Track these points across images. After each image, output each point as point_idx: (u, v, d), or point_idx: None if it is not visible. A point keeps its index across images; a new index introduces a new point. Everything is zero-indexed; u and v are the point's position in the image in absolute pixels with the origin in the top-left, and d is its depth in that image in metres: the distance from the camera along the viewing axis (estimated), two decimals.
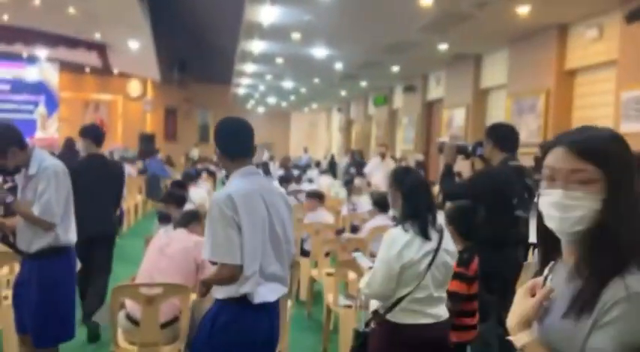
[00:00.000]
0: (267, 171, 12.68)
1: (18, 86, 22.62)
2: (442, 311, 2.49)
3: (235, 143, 2.36)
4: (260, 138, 24.59)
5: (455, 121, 12.00)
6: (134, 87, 24.08)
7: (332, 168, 14.72)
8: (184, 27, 18.56)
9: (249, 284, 2.14)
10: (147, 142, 21.65)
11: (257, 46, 11.31)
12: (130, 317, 2.99)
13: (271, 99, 21.87)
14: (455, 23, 8.64)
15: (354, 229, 6.41)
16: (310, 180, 10.10)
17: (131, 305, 2.99)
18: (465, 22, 8.51)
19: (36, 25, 19.07)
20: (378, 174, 9.07)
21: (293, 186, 8.16)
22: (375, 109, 18.15)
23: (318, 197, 6.07)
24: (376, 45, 10.72)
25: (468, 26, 8.74)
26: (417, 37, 9.66)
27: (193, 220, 3.20)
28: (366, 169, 9.98)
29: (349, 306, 3.85)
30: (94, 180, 4.32)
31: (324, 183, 10.26)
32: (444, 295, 2.52)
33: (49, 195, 2.63)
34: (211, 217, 2.15)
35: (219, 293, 2.18)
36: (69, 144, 12.35)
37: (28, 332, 2.82)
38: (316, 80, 15.95)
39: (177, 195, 4.73)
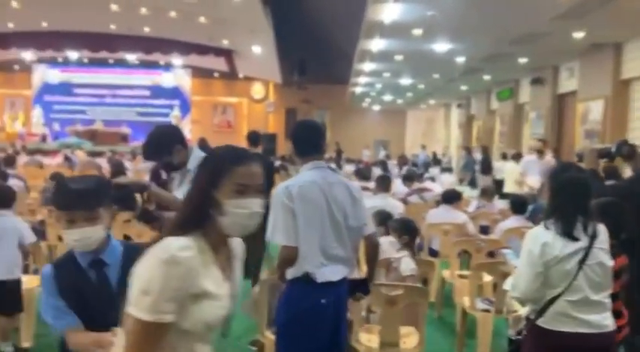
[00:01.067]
0: (385, 169, 12.62)
1: (156, 92, 24.88)
2: (607, 321, 2.30)
3: (304, 142, 2.64)
4: (375, 136, 24.74)
5: (591, 115, 11.07)
6: (257, 89, 25.32)
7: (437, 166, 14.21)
8: (304, 30, 19.13)
9: (309, 265, 2.40)
10: (269, 142, 22.64)
11: (377, 44, 11.33)
12: None
13: (387, 97, 21.78)
14: (594, 9, 7.98)
15: (484, 230, 6.18)
16: (432, 179, 9.91)
17: None
18: (606, 7, 7.81)
19: (172, 35, 20.81)
20: (533, 173, 8.41)
21: (416, 185, 8.05)
22: (499, 104, 17.32)
23: (451, 198, 5.90)
24: (503, 36, 10.23)
25: (608, 12, 8.02)
26: (549, 26, 9.06)
27: None
28: (521, 168, 9.16)
29: (487, 310, 3.72)
30: None
31: (447, 181, 10.01)
32: (607, 301, 2.32)
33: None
34: (273, 205, 2.47)
35: (289, 274, 2.45)
36: (201, 143, 13.37)
37: None
38: (435, 75, 15.59)
39: None
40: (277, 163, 17.55)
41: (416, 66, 13.98)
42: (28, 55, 22.56)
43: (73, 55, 22.62)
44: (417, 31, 9.66)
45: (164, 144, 2.89)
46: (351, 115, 25.38)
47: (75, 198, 1.85)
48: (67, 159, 12.16)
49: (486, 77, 15.42)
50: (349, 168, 13.41)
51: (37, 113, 24.03)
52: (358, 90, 19.46)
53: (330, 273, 2.44)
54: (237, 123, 25.66)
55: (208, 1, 16.80)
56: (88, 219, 1.86)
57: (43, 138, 22.37)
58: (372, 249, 2.68)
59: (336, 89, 23.34)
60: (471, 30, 9.93)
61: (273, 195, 2.54)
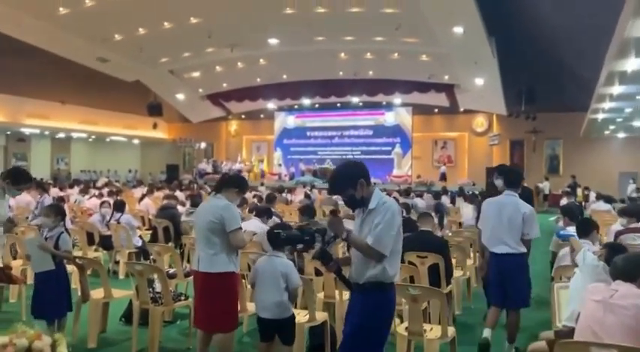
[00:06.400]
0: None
1: (379, 130, 25.93)
2: None
3: (504, 179, 4.78)
4: (620, 168, 21.17)
5: None
6: (479, 122, 24.55)
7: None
8: (532, 57, 17.94)
9: (486, 242, 4.60)
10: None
11: (632, 64, 9.92)
12: None
13: (638, 123, 18.90)
14: None
15: None
16: None
17: None
18: None
19: (394, 75, 21.56)
20: None
21: None
22: None
23: None
24: None
25: None
26: None
27: None
28: None
29: None
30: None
31: None
32: None
33: (382, 227, 2.80)
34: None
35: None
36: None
37: None
38: None
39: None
40: None
41: None
42: (271, 105, 25.76)
43: (306, 101, 25.05)
44: None
45: (349, 178, 2.93)
46: (588, 145, 22.75)
47: None
48: (306, 196, 13.28)
49: None
50: (602, 205, 11.58)
51: (277, 155, 27.09)
52: (601, 116, 17.34)
53: (497, 249, 4.49)
54: (458, 157, 25.16)
55: (430, 38, 17.01)
56: None
57: (279, 177, 25.07)
58: (526, 244, 4.50)
59: (570, 117, 21.26)
60: None
61: None
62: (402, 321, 4.06)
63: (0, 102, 20.45)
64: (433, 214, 6.05)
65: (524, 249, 4.46)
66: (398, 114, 25.64)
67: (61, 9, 15.42)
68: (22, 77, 19.07)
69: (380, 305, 2.91)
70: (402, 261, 5.09)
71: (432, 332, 3.75)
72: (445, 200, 12.48)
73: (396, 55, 19.52)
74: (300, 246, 3.20)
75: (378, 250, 2.80)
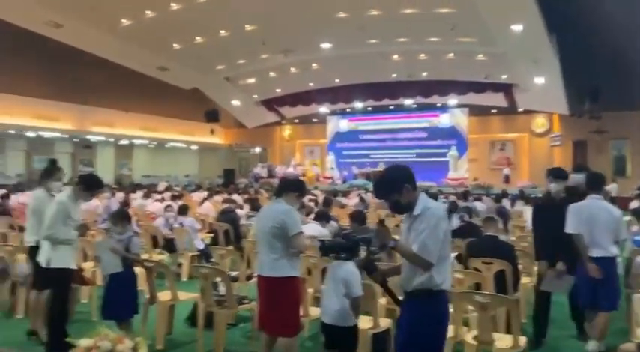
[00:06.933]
0: None
1: (433, 132, 25.51)
2: None
3: (588, 183, 4.80)
4: None
5: None
6: (540, 122, 23.70)
7: None
8: (595, 54, 17.14)
9: (586, 245, 4.53)
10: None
11: None
12: None
13: None
14: None
15: None
16: None
17: None
18: None
19: (449, 76, 21.17)
20: None
21: None
22: None
23: None
24: None
25: None
26: None
27: None
28: None
29: None
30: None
31: None
32: None
33: (426, 234, 2.75)
34: None
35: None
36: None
37: None
38: None
39: None
40: None
41: None
42: (323, 109, 25.87)
43: (359, 105, 24.99)
44: None
45: (393, 183, 2.90)
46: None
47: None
48: (362, 200, 13.21)
49: None
50: None
51: (330, 159, 27.15)
52: None
53: (594, 252, 4.49)
54: (517, 159, 24.38)
55: (487, 37, 16.59)
56: None
57: (332, 181, 25.07)
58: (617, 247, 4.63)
59: (638, 115, 20.16)
60: None
61: None
62: (469, 329, 3.95)
63: (70, 111, 21.53)
64: (497, 218, 5.84)
65: (617, 252, 4.58)
66: (453, 115, 25.14)
67: (123, 21, 16.13)
68: (89, 87, 20.04)
69: (427, 313, 2.84)
70: (467, 268, 5.01)
71: (503, 341, 3.62)
72: (506, 203, 12.09)
73: (451, 55, 19.16)
74: (343, 255, 3.20)
75: (424, 258, 2.75)
